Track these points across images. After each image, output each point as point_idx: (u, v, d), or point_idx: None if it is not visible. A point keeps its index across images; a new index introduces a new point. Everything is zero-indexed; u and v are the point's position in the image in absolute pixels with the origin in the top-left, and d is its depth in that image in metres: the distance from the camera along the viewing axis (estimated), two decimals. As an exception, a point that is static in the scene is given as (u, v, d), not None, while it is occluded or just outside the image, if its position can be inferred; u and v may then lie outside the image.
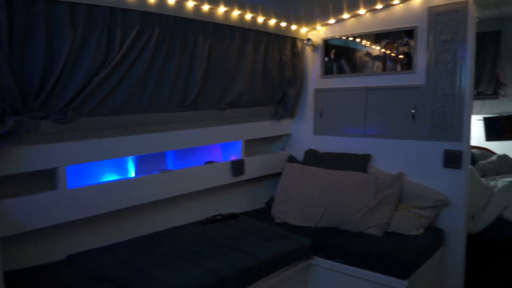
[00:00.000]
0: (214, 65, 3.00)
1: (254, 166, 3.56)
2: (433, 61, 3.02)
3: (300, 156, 3.76)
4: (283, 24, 3.40)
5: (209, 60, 2.95)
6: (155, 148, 2.86)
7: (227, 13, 2.96)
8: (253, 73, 3.30)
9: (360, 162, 3.41)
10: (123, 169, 2.93)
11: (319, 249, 2.87)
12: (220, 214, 3.26)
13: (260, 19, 3.21)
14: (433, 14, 2.99)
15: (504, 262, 3.28)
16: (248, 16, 3.10)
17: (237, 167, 3.39)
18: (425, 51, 3.05)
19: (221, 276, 2.27)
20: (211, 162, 3.32)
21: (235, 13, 3.01)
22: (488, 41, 4.38)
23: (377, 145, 3.38)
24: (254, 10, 3.04)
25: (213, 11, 2.88)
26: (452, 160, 3.00)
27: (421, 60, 3.08)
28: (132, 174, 2.94)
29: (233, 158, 3.50)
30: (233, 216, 3.28)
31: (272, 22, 3.30)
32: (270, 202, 3.56)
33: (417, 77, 3.11)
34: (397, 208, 3.08)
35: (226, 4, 2.86)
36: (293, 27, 3.52)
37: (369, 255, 2.69)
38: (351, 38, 3.51)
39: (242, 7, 2.94)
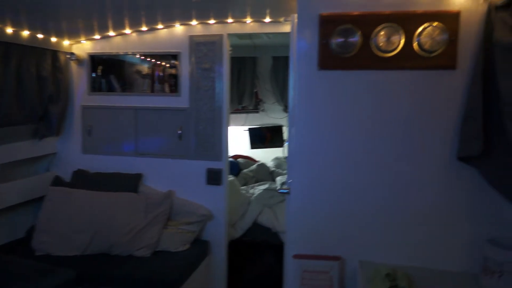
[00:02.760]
0: None
1: (11, 193, 3.12)
2: (195, 86, 3.24)
3: (68, 177, 3.49)
4: (40, 36, 3.06)
5: None
6: None
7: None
8: (3, 90, 2.87)
9: (131, 182, 3.39)
10: None
11: (85, 279, 2.73)
12: (-40, 257, 2.74)
13: (9, 30, 2.80)
14: (194, 43, 3.19)
15: (258, 259, 3.82)
16: (-9, 25, 2.67)
17: (-15, 197, 2.91)
18: (188, 76, 3.24)
19: None
20: None
21: (-27, 21, 2.55)
22: (247, 65, 5.01)
23: (148, 164, 3.43)
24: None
25: None
26: (214, 177, 3.30)
27: (185, 84, 3.27)
28: None
29: (-19, 186, 2.99)
30: (-21, 256, 2.80)
31: (26, 33, 2.93)
32: (32, 231, 3.20)
33: (182, 100, 3.28)
34: (166, 226, 3.20)
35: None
36: (54, 39, 3.21)
37: (134, 279, 2.71)
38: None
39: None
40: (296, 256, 2.08)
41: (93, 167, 3.50)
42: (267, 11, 2.84)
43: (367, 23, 1.84)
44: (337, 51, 1.87)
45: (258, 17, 2.99)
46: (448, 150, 1.88)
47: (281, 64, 4.91)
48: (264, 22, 3.04)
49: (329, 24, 1.87)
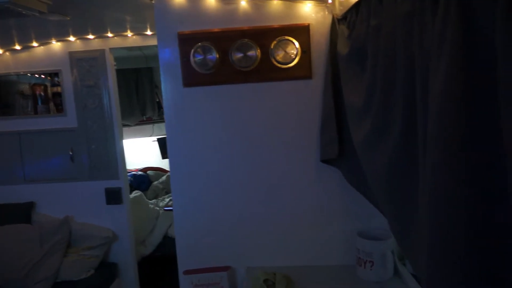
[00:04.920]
0: None
1: None
2: (81, 104, 3.09)
3: (-52, 214, 3.17)
4: None
5: None
6: None
7: None
8: None
9: (22, 212, 3.16)
10: None
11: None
12: None
13: None
14: (74, 59, 3.04)
15: (172, 274, 3.75)
16: None
17: None
18: (73, 94, 3.08)
19: None
20: None
21: None
22: (143, 75, 4.90)
23: (40, 190, 3.21)
24: None
25: None
26: (113, 197, 3.18)
27: (70, 103, 3.10)
28: None
29: None
30: None
31: None
32: None
33: (69, 120, 3.12)
34: (66, 254, 3.03)
35: None
36: None
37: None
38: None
39: None
40: (186, 272, 2.08)
41: (-23, 200, 3.22)
42: (147, 24, 2.78)
43: (224, 39, 1.86)
44: (198, 69, 1.88)
45: (138, 31, 2.92)
46: (315, 154, 1.98)
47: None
48: (146, 35, 2.98)
49: (187, 42, 1.87)
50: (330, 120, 1.81)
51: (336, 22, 1.78)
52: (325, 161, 1.94)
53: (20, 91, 3.30)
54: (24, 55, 3.08)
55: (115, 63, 3.12)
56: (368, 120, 1.29)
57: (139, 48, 3.48)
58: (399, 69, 1.06)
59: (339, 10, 1.73)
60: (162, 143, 5.20)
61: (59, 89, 3.17)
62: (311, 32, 1.88)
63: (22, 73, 3.15)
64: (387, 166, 1.18)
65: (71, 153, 3.15)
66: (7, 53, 3.08)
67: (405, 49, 1.01)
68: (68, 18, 2.31)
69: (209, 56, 1.85)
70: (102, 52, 3.02)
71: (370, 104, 1.28)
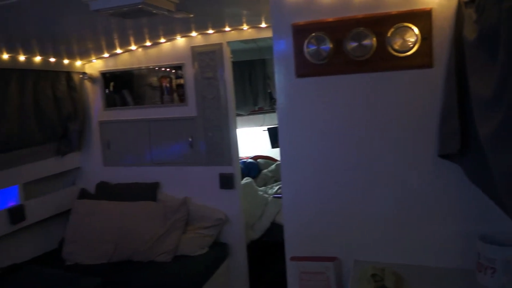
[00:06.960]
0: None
1: (38, 209, 3.36)
2: (200, 95, 3.34)
3: (93, 189, 3.71)
4: (53, 59, 3.27)
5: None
6: None
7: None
8: (22, 113, 3.09)
9: (149, 191, 3.55)
10: None
11: (110, 286, 2.91)
12: (-4, 270, 2.99)
13: (22, 58, 3.02)
14: (196, 53, 3.29)
15: (278, 259, 3.86)
16: (5, 56, 2.89)
17: (15, 214, 3.15)
18: (194, 86, 3.34)
19: None
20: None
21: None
22: (257, 67, 5.06)
23: (164, 173, 3.57)
24: (12, 50, 2.85)
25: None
26: (226, 182, 3.39)
27: (191, 94, 3.37)
28: None
29: (12, 204, 3.24)
30: (14, 268, 3.05)
31: (38, 59, 3.14)
32: (63, 242, 3.43)
33: (190, 109, 3.40)
34: (185, 231, 3.34)
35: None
36: (66, 61, 3.41)
37: (157, 284, 2.86)
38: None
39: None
40: (293, 258, 2.13)
41: (114, 178, 3.70)
42: (262, 17, 2.88)
43: (338, 29, 1.83)
44: (311, 59, 1.89)
45: (253, 24, 3.03)
46: (433, 148, 1.85)
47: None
48: (261, 28, 3.08)
49: (301, 33, 1.89)
50: (452, 110, 1.68)
51: (463, 5, 1.63)
52: (444, 156, 1.81)
53: (149, 83, 3.69)
54: (153, 50, 3.43)
55: (231, 56, 3.29)
56: (499, 113, 1.17)
57: (254, 40, 3.62)
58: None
59: (466, -8, 1.58)
60: (272, 132, 5.35)
61: (182, 81, 3.47)
62: (433, 16, 1.76)
63: (151, 67, 3.51)
64: None
65: (190, 139, 3.43)
66: (140, 49, 3.46)
67: None
68: (192, 15, 2.50)
69: (322, 46, 1.85)
70: (220, 45, 3.22)
71: (501, 96, 1.15)
